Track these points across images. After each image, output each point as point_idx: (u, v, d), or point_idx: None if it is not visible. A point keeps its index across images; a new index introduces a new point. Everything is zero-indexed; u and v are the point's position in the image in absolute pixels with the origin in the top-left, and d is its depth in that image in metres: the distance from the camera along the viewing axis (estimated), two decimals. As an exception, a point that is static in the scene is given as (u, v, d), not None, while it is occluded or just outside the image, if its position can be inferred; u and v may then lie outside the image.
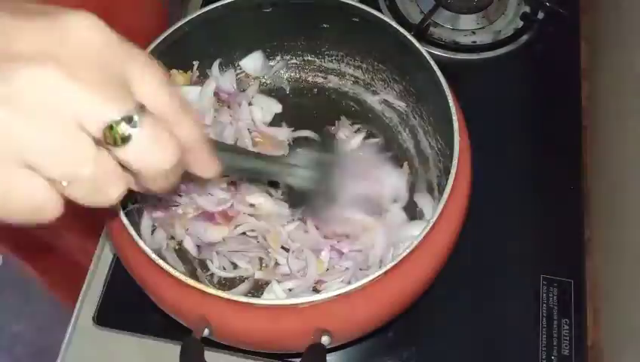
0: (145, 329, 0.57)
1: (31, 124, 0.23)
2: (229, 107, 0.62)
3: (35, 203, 0.25)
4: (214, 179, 0.34)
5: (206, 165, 0.32)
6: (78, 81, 0.24)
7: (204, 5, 0.55)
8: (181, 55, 0.58)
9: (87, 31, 0.25)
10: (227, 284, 0.55)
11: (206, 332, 0.41)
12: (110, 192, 0.26)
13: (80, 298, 0.60)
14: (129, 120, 0.25)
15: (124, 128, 0.25)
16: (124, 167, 0.27)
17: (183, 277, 0.41)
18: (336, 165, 0.50)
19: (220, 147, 0.40)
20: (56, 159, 0.24)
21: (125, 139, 0.25)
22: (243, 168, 0.45)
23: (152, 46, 0.52)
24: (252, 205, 0.56)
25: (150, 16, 0.71)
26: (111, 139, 0.25)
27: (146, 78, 0.27)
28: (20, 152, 0.24)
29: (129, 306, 0.57)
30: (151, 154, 0.26)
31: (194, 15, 0.54)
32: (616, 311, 0.57)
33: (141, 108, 0.25)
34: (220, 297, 0.40)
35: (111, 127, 0.24)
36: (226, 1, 0.55)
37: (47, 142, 0.24)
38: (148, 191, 0.29)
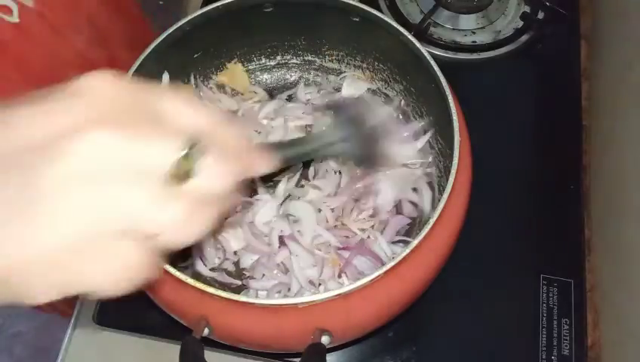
0: (145, 329, 0.57)
1: (107, 191, 0.23)
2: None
3: (136, 267, 0.25)
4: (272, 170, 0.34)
5: (261, 163, 0.32)
6: (128, 135, 0.23)
7: (204, 5, 0.55)
8: (181, 55, 0.58)
9: (104, 86, 0.24)
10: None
11: (206, 331, 0.41)
12: (199, 223, 0.26)
13: (80, 298, 0.60)
14: (186, 154, 0.25)
15: (186, 163, 0.25)
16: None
17: (183, 277, 0.41)
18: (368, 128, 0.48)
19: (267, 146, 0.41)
20: (143, 214, 0.24)
21: (190, 173, 0.25)
22: (294, 156, 0.44)
23: (152, 46, 0.52)
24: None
25: (131, 29, 0.72)
26: (179, 177, 0.25)
27: (178, 108, 0.26)
28: (110, 223, 0.23)
29: (129, 306, 0.57)
30: (217, 177, 0.26)
31: (194, 15, 0.54)
32: (616, 310, 0.57)
33: (191, 139, 0.25)
34: (219, 297, 0.40)
35: (176, 166, 0.24)
36: (226, 1, 0.55)
37: (132, 203, 0.23)
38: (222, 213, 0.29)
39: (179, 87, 0.34)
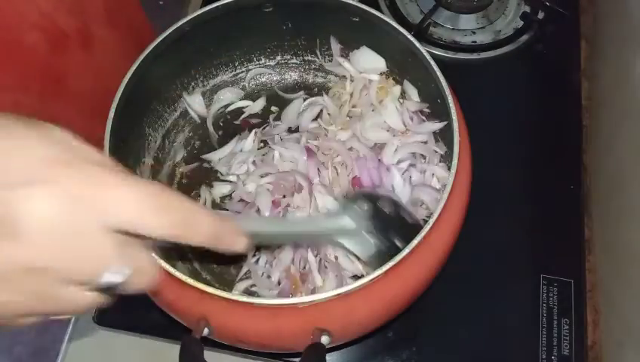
0: (145, 329, 0.57)
1: (59, 247, 0.25)
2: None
3: (86, 305, 0.28)
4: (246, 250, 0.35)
5: (232, 245, 0.33)
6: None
7: (204, 5, 0.55)
8: (181, 55, 0.58)
9: (47, 209, 0.24)
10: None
11: (206, 331, 0.41)
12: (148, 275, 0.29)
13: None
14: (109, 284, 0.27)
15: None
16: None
17: (183, 277, 0.41)
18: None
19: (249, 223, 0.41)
20: (93, 267, 0.26)
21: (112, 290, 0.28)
22: (277, 235, 0.44)
23: (152, 46, 0.52)
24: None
25: (134, 34, 0.71)
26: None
27: (134, 214, 0.26)
28: (62, 275, 0.25)
29: (129, 306, 0.56)
30: (134, 284, 0.28)
31: (194, 15, 0.54)
32: (615, 310, 0.57)
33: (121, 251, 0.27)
34: (219, 297, 0.40)
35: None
36: (226, 1, 0.55)
37: (83, 259, 0.26)
38: None
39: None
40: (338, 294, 0.40)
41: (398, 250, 0.42)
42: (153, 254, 0.30)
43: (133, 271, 0.27)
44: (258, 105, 0.65)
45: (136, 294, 0.29)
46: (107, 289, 0.28)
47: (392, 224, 0.48)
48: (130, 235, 0.27)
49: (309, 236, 0.47)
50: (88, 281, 0.26)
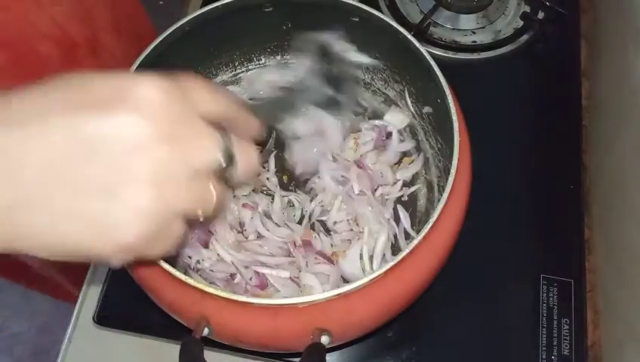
0: (145, 329, 0.57)
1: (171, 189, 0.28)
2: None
3: (178, 239, 0.30)
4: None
5: (256, 127, 0.36)
6: (182, 148, 0.28)
7: (204, 5, 0.55)
8: (181, 55, 0.58)
9: (155, 97, 0.28)
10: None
11: (206, 331, 0.41)
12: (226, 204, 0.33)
13: (80, 298, 0.60)
14: (226, 149, 0.30)
15: (226, 157, 0.30)
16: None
17: (183, 277, 0.41)
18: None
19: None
20: (199, 204, 0.30)
21: (232, 160, 0.31)
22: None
23: (152, 46, 0.52)
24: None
25: (122, 12, 0.71)
26: (223, 168, 0.30)
27: (204, 98, 0.31)
28: (174, 209, 0.29)
29: (129, 306, 0.57)
30: (248, 160, 0.32)
31: (194, 15, 0.54)
32: (616, 310, 0.57)
33: (224, 132, 0.31)
34: (219, 296, 0.40)
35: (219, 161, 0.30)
36: (226, 1, 0.55)
37: (192, 195, 0.29)
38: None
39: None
40: (338, 294, 0.40)
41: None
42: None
43: (238, 154, 0.31)
44: (258, 105, 0.65)
45: (247, 179, 0.33)
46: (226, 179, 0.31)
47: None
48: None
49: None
50: (210, 165, 0.29)
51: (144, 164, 0.27)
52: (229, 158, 0.30)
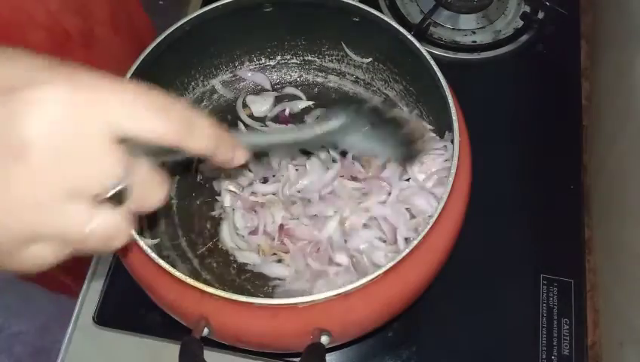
0: (145, 329, 0.57)
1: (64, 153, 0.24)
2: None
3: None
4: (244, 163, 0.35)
5: (232, 158, 0.33)
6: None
7: (204, 5, 0.55)
8: (181, 55, 0.58)
9: (53, 98, 0.24)
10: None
11: (205, 331, 0.41)
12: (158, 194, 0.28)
13: (80, 298, 0.60)
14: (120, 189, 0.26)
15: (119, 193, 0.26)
16: None
17: (182, 277, 0.41)
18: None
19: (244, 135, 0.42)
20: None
21: (124, 193, 0.26)
22: (274, 144, 0.45)
23: (152, 46, 0.52)
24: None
25: (136, 37, 0.71)
26: (113, 198, 0.26)
27: (134, 115, 0.26)
28: (64, 185, 0.24)
29: (129, 306, 0.57)
30: (147, 195, 0.28)
31: (194, 15, 0.54)
32: (616, 311, 0.57)
33: (126, 177, 0.26)
34: (219, 296, 0.40)
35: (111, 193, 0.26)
36: (225, 1, 0.55)
37: (88, 165, 0.25)
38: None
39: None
40: (338, 294, 0.40)
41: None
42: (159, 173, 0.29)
43: (141, 184, 0.27)
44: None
45: (143, 212, 0.28)
46: (117, 204, 0.27)
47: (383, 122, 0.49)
48: (132, 144, 0.26)
49: (307, 141, 0.48)
50: (96, 193, 0.25)
51: (12, 166, 0.23)
52: (120, 192, 0.26)
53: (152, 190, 0.28)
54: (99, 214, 0.26)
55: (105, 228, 0.26)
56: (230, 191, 0.58)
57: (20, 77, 0.24)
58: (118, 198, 0.26)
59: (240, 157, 0.34)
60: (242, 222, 0.57)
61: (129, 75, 0.50)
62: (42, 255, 0.26)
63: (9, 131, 0.23)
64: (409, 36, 0.52)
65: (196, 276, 0.54)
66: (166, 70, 0.57)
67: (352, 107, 0.48)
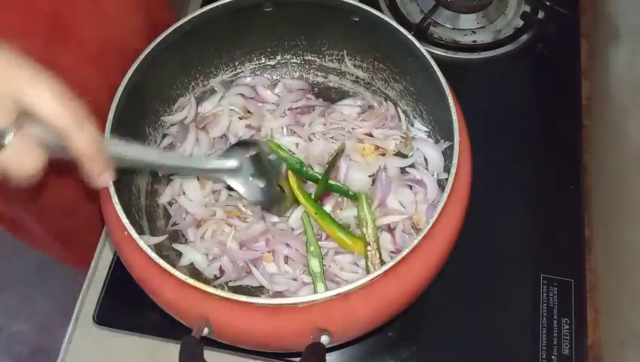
0: (145, 329, 0.57)
1: None
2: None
3: None
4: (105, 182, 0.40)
5: (96, 174, 0.38)
6: None
7: (204, 5, 0.55)
8: (181, 55, 0.58)
9: None
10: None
11: (206, 331, 0.41)
12: None
13: (80, 298, 0.60)
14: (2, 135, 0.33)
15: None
16: None
17: (182, 277, 0.41)
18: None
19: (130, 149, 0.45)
20: None
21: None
22: (153, 164, 0.49)
23: (152, 45, 0.52)
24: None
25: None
26: None
27: (42, 98, 0.33)
28: None
29: (129, 306, 0.57)
30: (17, 163, 0.34)
31: (194, 15, 0.54)
32: (616, 310, 0.57)
33: (16, 125, 0.33)
34: (219, 296, 0.40)
35: None
36: (226, 1, 0.55)
37: None
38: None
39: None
40: (338, 294, 0.40)
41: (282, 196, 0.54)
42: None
43: (18, 145, 0.33)
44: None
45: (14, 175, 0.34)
46: None
47: (273, 169, 0.56)
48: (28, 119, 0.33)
49: (193, 170, 0.55)
50: None
51: None
52: None
53: (27, 156, 0.34)
54: None
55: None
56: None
57: None
58: None
59: (103, 181, 0.39)
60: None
61: (129, 74, 0.50)
62: None
63: None
64: (409, 36, 0.52)
65: (196, 276, 0.54)
66: (166, 70, 0.57)
67: (249, 152, 0.54)
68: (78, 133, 0.34)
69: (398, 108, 0.62)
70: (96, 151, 0.36)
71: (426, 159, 0.58)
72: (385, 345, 0.56)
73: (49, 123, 0.33)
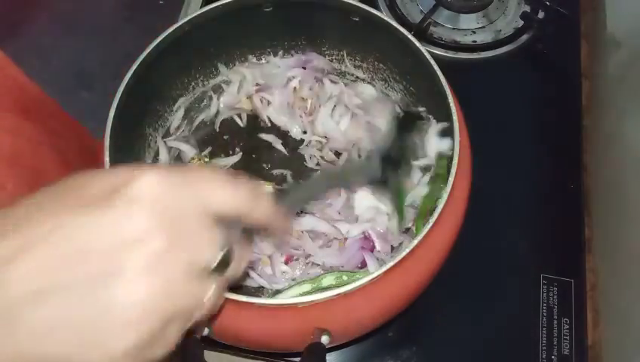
0: (145, 329, 0.56)
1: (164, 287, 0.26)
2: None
3: (172, 345, 0.28)
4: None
5: (280, 229, 0.36)
6: (179, 244, 0.26)
7: (204, 5, 0.55)
8: (181, 55, 0.58)
9: (155, 191, 0.26)
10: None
11: (206, 331, 0.41)
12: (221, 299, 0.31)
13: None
14: (226, 252, 0.29)
15: (223, 259, 0.29)
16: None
17: (182, 277, 0.41)
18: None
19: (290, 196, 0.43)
20: (194, 302, 0.28)
21: (227, 263, 0.30)
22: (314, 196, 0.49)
23: (152, 45, 0.52)
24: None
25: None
26: (218, 268, 0.29)
27: (218, 194, 0.29)
28: (170, 306, 0.26)
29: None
30: (241, 262, 0.31)
31: (194, 15, 0.54)
32: (616, 310, 0.57)
33: (228, 231, 0.29)
34: (219, 297, 0.40)
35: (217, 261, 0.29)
36: (225, 1, 0.55)
37: (188, 291, 0.27)
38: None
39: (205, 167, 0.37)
40: (338, 294, 0.40)
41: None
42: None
43: (236, 253, 0.30)
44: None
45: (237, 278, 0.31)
46: (219, 274, 0.29)
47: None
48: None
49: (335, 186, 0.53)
50: (207, 264, 0.28)
51: (138, 256, 0.25)
52: (225, 261, 0.29)
53: (245, 253, 0.32)
54: (210, 284, 0.28)
55: (216, 296, 0.29)
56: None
57: (117, 178, 0.26)
58: (219, 268, 0.29)
59: (287, 226, 0.39)
60: None
61: (129, 74, 0.50)
62: (173, 334, 0.27)
63: (124, 227, 0.25)
64: (409, 36, 0.52)
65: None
66: (166, 70, 0.57)
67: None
68: (256, 209, 0.32)
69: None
70: (276, 215, 0.34)
71: None
72: (385, 345, 0.56)
73: (230, 214, 0.30)
